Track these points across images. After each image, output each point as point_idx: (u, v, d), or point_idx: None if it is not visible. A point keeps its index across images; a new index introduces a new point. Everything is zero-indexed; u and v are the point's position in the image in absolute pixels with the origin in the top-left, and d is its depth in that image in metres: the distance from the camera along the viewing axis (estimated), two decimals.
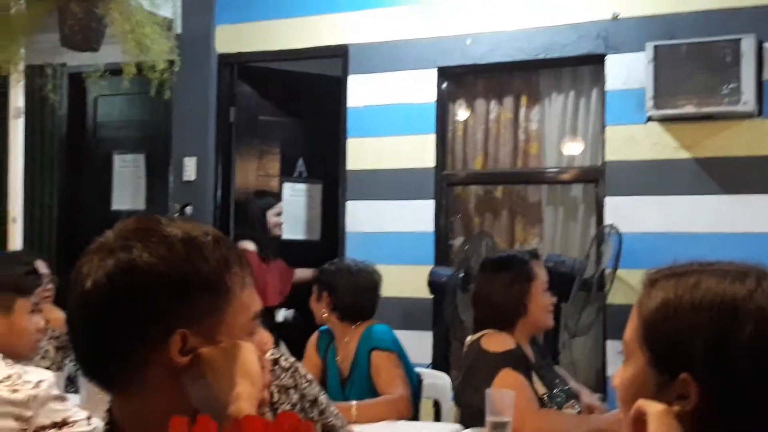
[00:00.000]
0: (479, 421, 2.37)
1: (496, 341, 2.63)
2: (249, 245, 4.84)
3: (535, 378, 2.60)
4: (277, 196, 5.20)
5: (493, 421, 2.29)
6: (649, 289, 1.06)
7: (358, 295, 3.30)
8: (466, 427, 2.58)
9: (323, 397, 1.41)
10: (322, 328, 3.40)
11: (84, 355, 1.09)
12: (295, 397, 1.34)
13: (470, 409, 2.62)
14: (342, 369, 3.27)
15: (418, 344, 4.43)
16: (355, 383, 3.22)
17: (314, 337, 3.41)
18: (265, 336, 1.15)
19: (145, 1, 4.19)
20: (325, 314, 3.29)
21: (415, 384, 3.28)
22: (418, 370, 3.42)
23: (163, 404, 1.03)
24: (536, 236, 4.77)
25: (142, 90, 5.09)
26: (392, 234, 4.83)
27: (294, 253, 5.36)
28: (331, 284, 3.29)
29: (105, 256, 1.06)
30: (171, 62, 4.35)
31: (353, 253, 4.70)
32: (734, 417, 0.98)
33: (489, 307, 2.71)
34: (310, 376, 1.39)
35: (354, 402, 2.90)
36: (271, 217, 5.01)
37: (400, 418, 2.91)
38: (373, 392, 3.09)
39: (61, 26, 3.87)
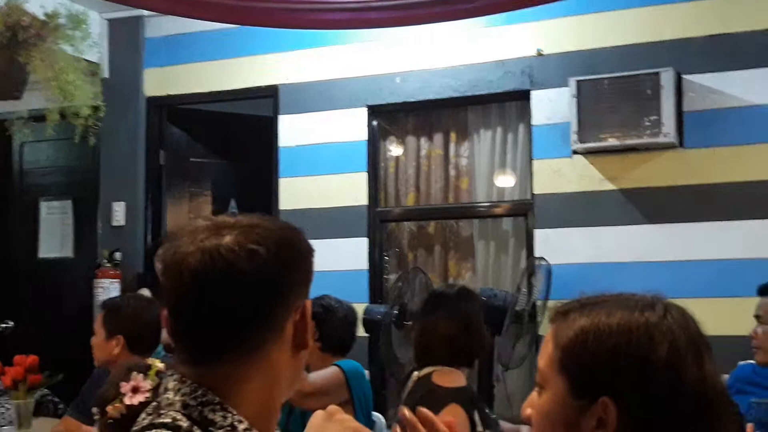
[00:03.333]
0: None
1: (449, 378, 2.59)
2: (145, 291, 4.67)
3: (477, 418, 2.58)
4: None
5: None
6: (562, 319, 1.09)
7: (345, 328, 3.35)
8: None
9: None
10: None
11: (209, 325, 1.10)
12: None
13: None
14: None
15: None
16: (302, 415, 3.17)
17: None
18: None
19: (69, 47, 4.13)
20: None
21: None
22: None
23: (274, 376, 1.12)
24: (469, 270, 4.80)
25: (68, 135, 5.01)
26: (326, 273, 4.76)
27: None
28: (320, 316, 3.27)
29: (219, 234, 1.10)
30: (96, 108, 4.28)
31: None
32: None
33: (448, 341, 2.64)
34: None
35: None
36: None
37: (292, 395, 2.84)
38: None
39: None
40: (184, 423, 1.02)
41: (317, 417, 1.09)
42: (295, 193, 4.92)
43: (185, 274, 1.08)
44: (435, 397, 2.52)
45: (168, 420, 1.02)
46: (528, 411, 1.10)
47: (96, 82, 4.35)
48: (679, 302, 3.98)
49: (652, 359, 1.04)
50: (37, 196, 5.69)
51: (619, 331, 1.06)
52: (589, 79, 4.13)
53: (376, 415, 3.41)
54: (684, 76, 4.10)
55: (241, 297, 1.08)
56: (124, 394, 1.96)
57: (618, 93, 4.07)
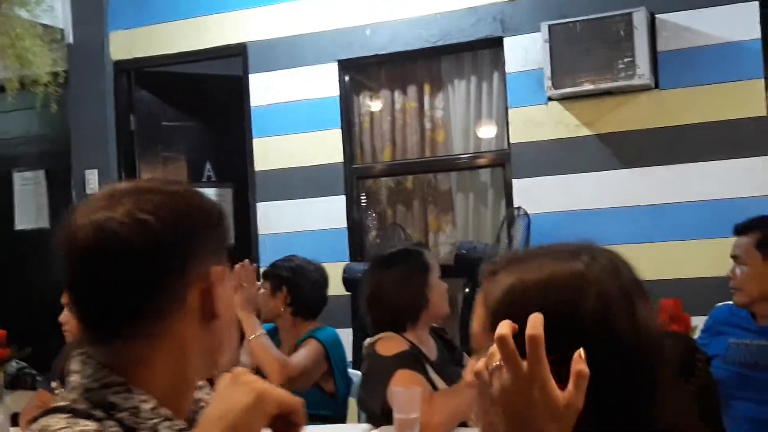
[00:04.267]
0: (385, 423, 2.32)
1: (388, 345, 2.56)
2: None
3: (433, 374, 2.55)
4: None
5: (401, 419, 2.24)
6: (490, 280, 1.04)
7: (316, 292, 3.31)
8: (376, 426, 2.52)
9: None
10: (266, 326, 3.30)
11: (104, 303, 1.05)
12: None
13: (371, 412, 2.56)
14: None
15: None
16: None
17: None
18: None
19: (25, 12, 4.01)
20: (282, 309, 3.23)
21: (342, 391, 3.23)
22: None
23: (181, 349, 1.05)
24: (449, 224, 4.75)
25: (37, 104, 4.92)
26: (305, 233, 4.76)
27: None
28: (291, 280, 3.25)
29: (112, 204, 1.05)
30: (56, 74, 4.17)
31: (267, 255, 4.61)
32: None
33: (387, 306, 2.64)
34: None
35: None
36: None
37: (278, 382, 2.85)
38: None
39: None
40: (82, 406, 0.97)
41: (224, 380, 1.04)
42: (270, 153, 4.84)
43: (75, 251, 1.04)
44: (380, 367, 2.50)
45: (65, 403, 0.97)
46: (468, 377, 1.04)
47: (56, 48, 4.24)
48: (660, 246, 3.96)
49: (581, 312, 0.98)
50: (9, 167, 5.60)
51: (545, 285, 1.00)
52: (561, 23, 4.04)
53: (354, 372, 3.38)
54: (657, 16, 4.01)
55: (131, 270, 1.03)
56: None
57: (591, 36, 3.98)
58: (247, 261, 3.14)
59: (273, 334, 3.26)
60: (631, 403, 0.98)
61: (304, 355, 3.09)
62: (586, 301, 0.98)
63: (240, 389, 1.01)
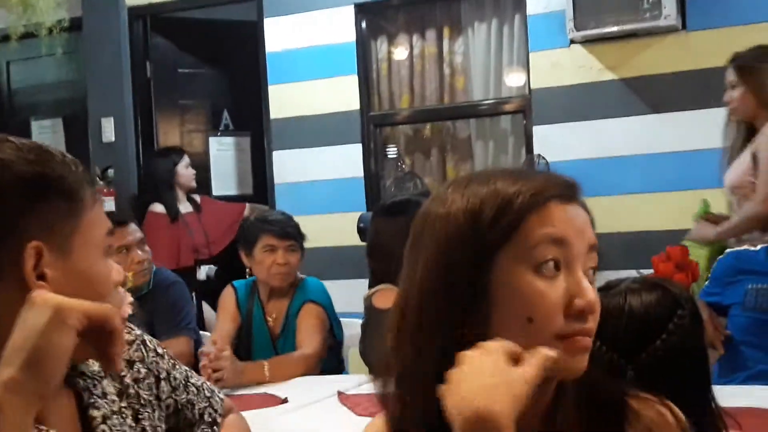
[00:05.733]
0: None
1: (386, 297, 2.48)
2: (158, 207, 4.66)
3: None
4: (179, 151, 4.91)
5: None
6: None
7: None
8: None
9: (179, 372, 1.28)
10: (237, 282, 3.23)
11: None
12: (142, 371, 1.21)
13: (370, 366, 2.50)
14: (273, 327, 3.10)
15: (354, 293, 4.29)
16: (288, 339, 3.06)
17: (229, 292, 3.17)
18: (117, 267, 1.08)
19: None
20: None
21: (338, 339, 3.15)
22: (353, 320, 3.27)
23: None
24: (467, 172, 4.62)
25: (53, 51, 4.87)
26: (321, 182, 4.67)
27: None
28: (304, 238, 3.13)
29: None
30: (61, 20, 4.08)
31: (284, 204, 4.55)
32: None
33: (385, 257, 2.54)
34: (160, 350, 1.26)
35: (265, 361, 2.75)
36: (182, 170, 4.77)
37: (308, 373, 2.78)
38: None
39: None
40: None
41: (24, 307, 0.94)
42: (286, 100, 4.74)
43: None
44: (377, 320, 2.42)
45: None
46: None
47: None
48: (683, 194, 3.79)
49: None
50: (27, 115, 5.57)
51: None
52: None
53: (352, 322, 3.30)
54: None
55: None
56: None
57: None
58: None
59: (249, 291, 3.14)
60: None
61: (315, 335, 2.92)
62: None
63: (35, 310, 0.91)
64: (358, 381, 2.48)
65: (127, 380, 1.21)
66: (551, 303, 0.90)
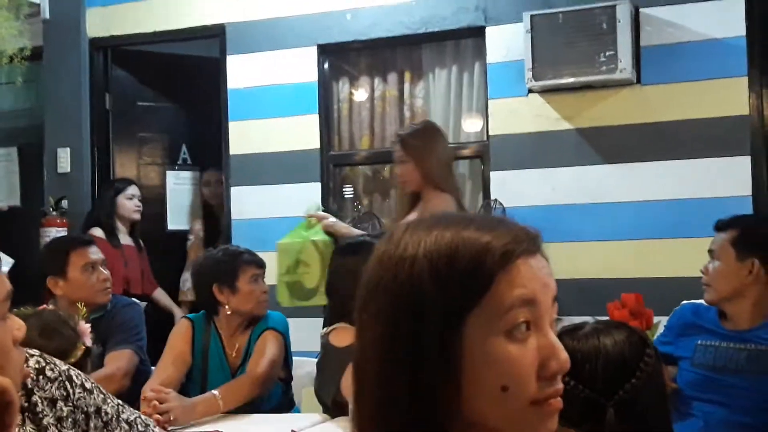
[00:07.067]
0: (339, 414, 2.26)
1: (342, 336, 2.50)
2: (97, 231, 4.59)
3: None
4: (126, 182, 4.88)
5: None
6: None
7: None
8: (332, 417, 2.45)
9: (110, 407, 1.26)
10: (192, 315, 3.20)
11: None
12: (65, 409, 1.19)
13: (323, 403, 2.50)
14: (233, 360, 3.07)
15: (311, 331, 4.28)
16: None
17: (186, 325, 3.12)
18: (17, 322, 1.04)
19: None
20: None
21: (290, 373, 3.15)
22: (308, 359, 3.26)
23: None
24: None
25: (12, 79, 4.82)
26: (279, 219, 4.67)
27: (181, 243, 5.17)
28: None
29: None
30: (22, 48, 4.06)
31: (241, 240, 4.52)
32: None
33: (340, 296, 2.57)
34: (88, 385, 1.24)
35: (215, 391, 2.72)
36: (122, 200, 4.73)
37: (260, 394, 2.77)
38: None
39: None
40: None
41: None
42: (246, 136, 4.75)
43: None
44: (332, 358, 2.44)
45: None
46: None
47: (26, 20, 4.12)
48: (637, 243, 3.89)
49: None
50: None
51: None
52: (544, 14, 3.96)
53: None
54: (641, 9, 3.94)
55: None
56: None
57: (573, 28, 3.91)
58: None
59: (205, 324, 3.12)
60: None
61: (265, 357, 2.90)
62: None
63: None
64: (312, 420, 2.48)
65: (47, 420, 1.19)
66: (526, 368, 0.85)
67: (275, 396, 3.01)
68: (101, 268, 3.20)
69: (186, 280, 4.88)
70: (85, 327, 2.17)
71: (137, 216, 4.77)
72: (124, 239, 4.72)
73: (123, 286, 4.48)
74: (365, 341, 0.89)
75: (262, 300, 3.06)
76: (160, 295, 4.83)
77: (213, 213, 5.13)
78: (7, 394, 0.91)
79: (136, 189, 4.81)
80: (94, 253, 3.22)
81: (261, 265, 3.11)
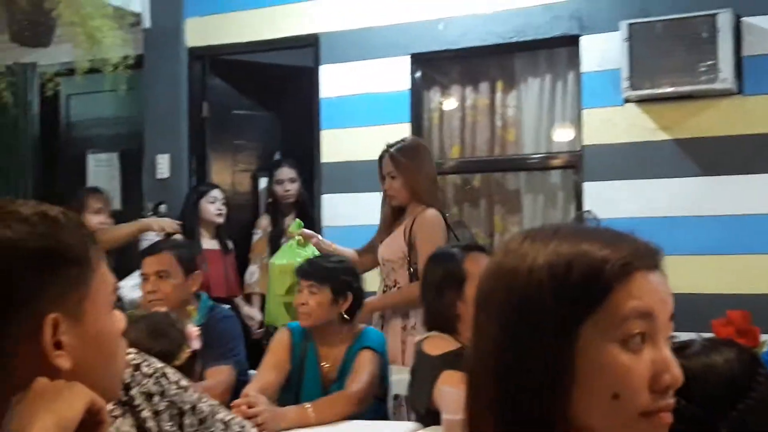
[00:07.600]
0: (432, 423, 2.26)
1: (435, 344, 2.50)
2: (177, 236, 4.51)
3: None
4: (209, 186, 4.93)
5: (449, 419, 2.19)
6: None
7: (362, 292, 3.16)
8: (425, 426, 2.46)
9: (206, 405, 1.30)
10: (291, 324, 3.21)
11: None
12: (161, 404, 1.23)
13: (417, 412, 2.51)
14: (328, 372, 3.07)
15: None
16: (343, 385, 2.99)
17: (285, 334, 3.13)
18: (119, 315, 1.08)
19: None
20: (336, 315, 3.05)
21: (385, 391, 3.14)
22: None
23: None
24: (516, 225, 4.64)
25: (115, 87, 4.99)
26: (369, 226, 4.69)
27: None
28: (356, 287, 3.10)
29: None
30: (126, 56, 4.20)
31: None
32: None
33: (428, 310, 2.59)
34: (184, 383, 1.28)
35: (308, 404, 2.75)
36: (205, 204, 4.77)
37: (355, 412, 2.78)
38: None
39: (9, 22, 3.75)
40: None
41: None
42: (337, 145, 4.81)
43: None
44: (426, 366, 2.44)
45: None
46: None
47: (133, 32, 4.27)
48: (734, 258, 3.80)
49: None
50: (84, 148, 5.70)
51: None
52: (642, 23, 3.90)
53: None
54: (743, 18, 3.83)
55: None
56: None
57: (672, 37, 3.83)
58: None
59: (304, 335, 3.12)
60: None
61: (364, 375, 2.90)
62: None
63: (68, 400, 0.92)
64: (405, 429, 2.49)
65: (145, 414, 1.23)
66: (638, 379, 0.87)
67: (370, 413, 2.99)
68: (154, 279, 3.20)
69: (253, 273, 4.95)
70: (193, 330, 2.22)
71: (220, 220, 4.82)
72: (208, 243, 4.79)
73: (203, 290, 4.59)
74: (481, 343, 0.93)
75: (299, 311, 3.05)
76: (240, 302, 4.89)
77: (280, 209, 5.11)
78: (101, 414, 0.95)
79: (219, 192, 4.86)
80: (148, 265, 3.23)
81: (302, 275, 3.09)
